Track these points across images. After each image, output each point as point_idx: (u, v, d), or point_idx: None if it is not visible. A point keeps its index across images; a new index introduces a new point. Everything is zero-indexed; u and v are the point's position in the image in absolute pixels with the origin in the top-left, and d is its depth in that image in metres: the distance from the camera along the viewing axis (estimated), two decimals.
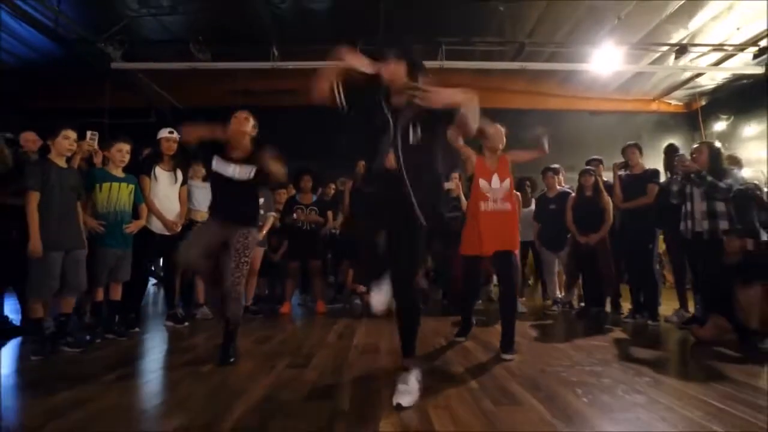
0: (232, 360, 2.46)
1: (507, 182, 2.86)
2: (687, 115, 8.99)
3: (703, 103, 8.62)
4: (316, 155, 7.06)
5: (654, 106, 9.03)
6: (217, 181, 2.60)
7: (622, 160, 4.27)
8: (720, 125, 8.30)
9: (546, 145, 2.96)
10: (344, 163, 5.78)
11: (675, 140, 8.61)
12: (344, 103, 1.91)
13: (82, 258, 2.82)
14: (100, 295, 3.10)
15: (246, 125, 2.60)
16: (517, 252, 2.87)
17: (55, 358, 2.57)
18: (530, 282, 6.83)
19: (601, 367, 2.37)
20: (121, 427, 1.62)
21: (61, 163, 2.82)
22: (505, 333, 2.73)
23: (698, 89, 8.30)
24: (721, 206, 3.43)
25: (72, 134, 2.80)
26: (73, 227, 2.78)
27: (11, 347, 2.91)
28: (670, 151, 4.19)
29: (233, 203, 2.56)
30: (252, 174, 2.60)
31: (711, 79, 7.80)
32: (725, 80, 7.75)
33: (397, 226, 1.89)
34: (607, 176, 4.57)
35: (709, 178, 3.42)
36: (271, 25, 6.33)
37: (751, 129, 7.71)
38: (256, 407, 1.78)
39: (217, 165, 2.57)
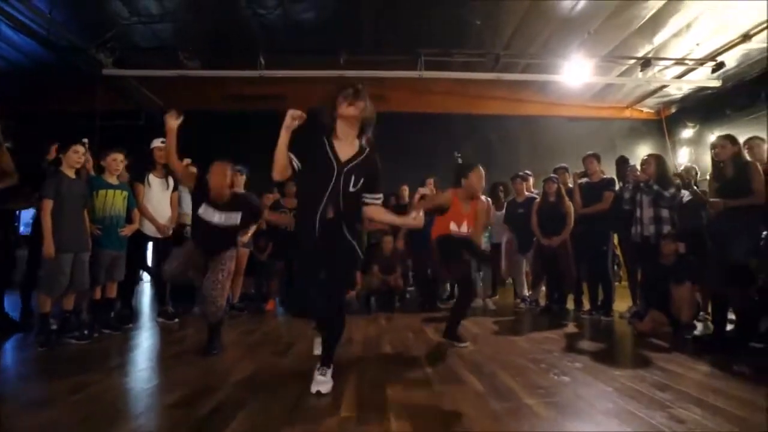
0: (215, 351, 2.75)
1: (470, 228, 3.25)
2: (658, 121, 9.40)
3: (672, 110, 9.05)
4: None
5: (627, 113, 9.42)
6: (202, 224, 2.86)
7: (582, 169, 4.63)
8: (687, 132, 8.72)
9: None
10: None
11: (647, 145, 9.16)
12: (298, 165, 2.09)
13: (87, 260, 3.11)
14: (98, 294, 3.37)
15: (224, 180, 2.84)
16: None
17: (60, 349, 2.84)
18: (509, 282, 7.18)
19: (542, 355, 2.72)
20: (123, 402, 1.91)
21: (71, 174, 3.12)
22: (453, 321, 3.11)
23: (667, 98, 8.72)
24: (665, 212, 3.82)
25: (81, 149, 3.12)
26: (80, 232, 3.08)
27: (15, 341, 3.17)
28: (622, 162, 4.57)
29: (217, 242, 2.86)
30: (238, 221, 2.93)
31: (678, 89, 8.22)
32: (691, 90, 8.17)
33: (332, 262, 2.07)
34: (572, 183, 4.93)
35: (656, 187, 3.79)
36: (259, 34, 6.58)
37: (714, 137, 8.13)
38: (240, 386, 2.08)
39: (205, 212, 2.84)
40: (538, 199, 4.89)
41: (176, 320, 3.91)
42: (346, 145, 2.12)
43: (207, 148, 5.73)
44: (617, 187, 4.44)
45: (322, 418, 1.73)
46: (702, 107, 8.29)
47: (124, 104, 7.84)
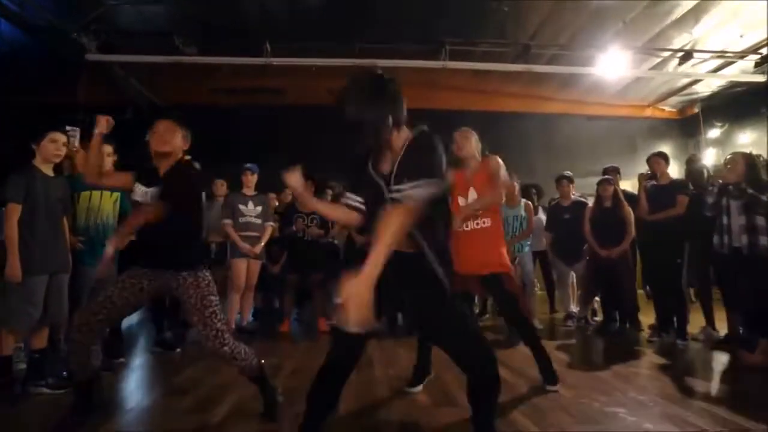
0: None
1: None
2: (679, 121, 9.02)
3: (696, 110, 8.64)
4: (307, 155, 6.72)
5: (648, 112, 9.02)
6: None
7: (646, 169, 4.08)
8: (714, 132, 8.32)
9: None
10: (335, 165, 5.47)
11: (667, 146, 8.68)
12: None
13: (65, 283, 2.40)
14: None
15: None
16: (507, 273, 2.49)
17: (25, 403, 2.14)
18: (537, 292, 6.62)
19: (659, 397, 2.11)
20: None
21: (48, 171, 2.41)
22: (540, 362, 2.45)
23: (693, 96, 8.30)
24: (761, 220, 3.24)
25: (60, 137, 2.40)
26: (58, 246, 2.37)
27: None
28: (692, 162, 4.01)
29: None
30: None
31: (707, 86, 7.79)
32: (720, 87, 7.75)
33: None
34: (624, 186, 4.37)
35: (750, 191, 3.22)
36: (263, 20, 5.94)
37: (746, 136, 7.73)
38: None
39: None
40: (590, 204, 4.31)
41: (177, 350, 3.22)
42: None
43: (207, 145, 5.06)
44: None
45: None
46: (731, 105, 7.88)
47: (110, 97, 7.11)
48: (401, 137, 1.46)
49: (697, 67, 6.96)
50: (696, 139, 8.54)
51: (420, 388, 2.43)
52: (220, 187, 4.23)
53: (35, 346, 2.33)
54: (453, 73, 6.94)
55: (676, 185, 3.86)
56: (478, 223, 2.46)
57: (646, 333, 3.88)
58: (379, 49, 6.11)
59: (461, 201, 2.51)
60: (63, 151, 2.43)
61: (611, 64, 6.45)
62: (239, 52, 6.20)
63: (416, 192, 1.27)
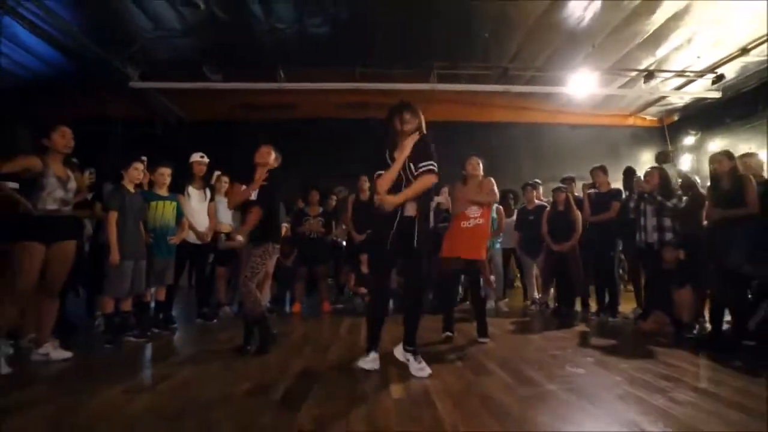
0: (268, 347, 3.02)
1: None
2: (660, 129, 9.70)
3: (676, 118, 9.35)
4: (314, 166, 7.69)
5: (630, 121, 9.72)
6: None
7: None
8: (689, 139, 9.02)
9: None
10: (343, 174, 6.41)
11: (649, 152, 9.48)
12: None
13: (144, 267, 3.44)
14: (148, 297, 3.69)
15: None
16: (481, 259, 3.64)
17: (123, 347, 3.18)
18: (516, 284, 7.50)
19: (558, 351, 3.04)
20: (200, 390, 2.23)
21: (131, 188, 3.45)
22: (479, 322, 3.47)
23: (669, 106, 9.03)
24: (667, 221, 4.12)
25: (140, 166, 3.46)
26: (139, 241, 3.40)
27: (80, 341, 3.49)
28: (628, 173, 4.89)
29: None
30: None
31: (680, 98, 8.53)
32: (693, 99, 8.48)
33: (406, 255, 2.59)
34: (579, 192, 5.25)
35: (659, 198, 4.10)
36: (276, 48, 6.89)
37: (715, 144, 8.45)
38: (296, 378, 2.41)
39: None
40: (548, 208, 5.20)
41: (215, 320, 4.23)
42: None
43: (225, 157, 6.02)
44: (623, 197, 4.75)
45: (378, 401, 2.04)
46: (703, 116, 8.60)
47: (142, 113, 8.15)
48: (412, 138, 2.61)
49: (665, 83, 7.77)
50: (675, 146, 9.26)
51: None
52: None
53: (124, 309, 3.37)
54: (444, 91, 7.77)
55: (611, 193, 4.75)
56: (475, 220, 3.55)
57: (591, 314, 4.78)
58: (376, 73, 7.09)
59: (463, 207, 3.59)
60: (142, 175, 3.47)
61: (582, 84, 7.30)
62: (256, 77, 7.21)
63: (429, 167, 2.47)
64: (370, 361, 2.58)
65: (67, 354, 2.74)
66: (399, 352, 2.72)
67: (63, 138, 2.87)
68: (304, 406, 1.98)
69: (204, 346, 3.35)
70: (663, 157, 4.36)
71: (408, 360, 2.57)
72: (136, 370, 2.58)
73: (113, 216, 3.24)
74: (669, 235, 4.07)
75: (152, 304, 3.99)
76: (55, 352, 2.69)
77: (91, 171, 3.67)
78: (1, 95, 7.34)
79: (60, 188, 2.76)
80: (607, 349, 3.16)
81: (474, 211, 3.55)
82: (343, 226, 5.75)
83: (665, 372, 2.49)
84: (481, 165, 3.71)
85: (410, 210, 2.55)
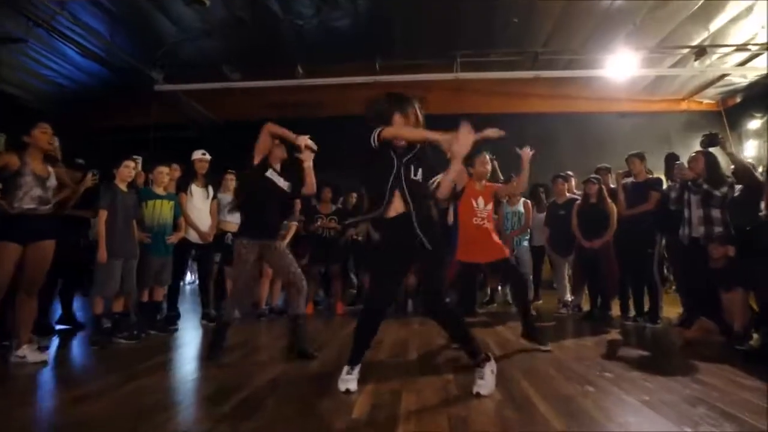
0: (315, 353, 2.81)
1: (489, 205, 3.31)
2: (719, 113, 8.74)
3: (738, 100, 8.38)
4: (338, 164, 7.52)
5: (684, 106, 8.83)
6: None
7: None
8: (754, 123, 8.05)
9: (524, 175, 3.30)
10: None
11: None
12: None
13: (134, 266, 3.38)
14: (145, 296, 3.64)
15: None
16: (507, 256, 3.29)
17: (112, 348, 3.11)
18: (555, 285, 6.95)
19: (573, 363, 2.62)
20: (167, 395, 2.07)
21: (123, 187, 3.41)
22: (526, 322, 3.12)
23: (730, 87, 8.09)
24: (716, 213, 3.55)
25: (131, 164, 3.42)
26: (130, 240, 3.35)
27: (78, 339, 3.52)
28: (671, 159, 4.30)
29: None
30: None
31: (742, 77, 7.61)
32: (758, 77, 7.53)
33: (418, 261, 2.22)
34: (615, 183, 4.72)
35: (705, 186, 3.54)
36: (297, 43, 6.80)
37: None
38: (264, 387, 2.19)
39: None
40: (579, 201, 4.71)
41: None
42: None
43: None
44: (665, 186, 4.19)
45: (333, 419, 1.78)
46: None
47: (175, 117, 8.37)
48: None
49: (723, 60, 6.93)
50: (737, 132, 8.29)
51: None
52: None
53: (115, 310, 3.32)
54: (473, 80, 7.35)
55: (649, 183, 4.19)
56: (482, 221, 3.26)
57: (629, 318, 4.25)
58: (397, 65, 6.81)
59: (473, 203, 3.30)
60: (134, 173, 3.41)
61: (624, 66, 6.64)
62: (277, 75, 7.16)
63: None
64: (352, 379, 2.16)
65: (44, 357, 2.68)
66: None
67: (44, 134, 2.81)
68: (251, 422, 1.75)
69: (191, 350, 3.24)
70: (709, 141, 3.75)
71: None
72: (100, 375, 2.46)
73: (103, 214, 3.20)
74: (718, 229, 3.50)
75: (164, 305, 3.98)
76: (32, 354, 2.64)
77: (95, 172, 3.66)
78: (47, 105, 7.83)
79: (38, 186, 2.72)
80: (636, 362, 2.69)
81: (480, 211, 3.28)
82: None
83: (697, 395, 2.03)
84: (489, 164, 3.39)
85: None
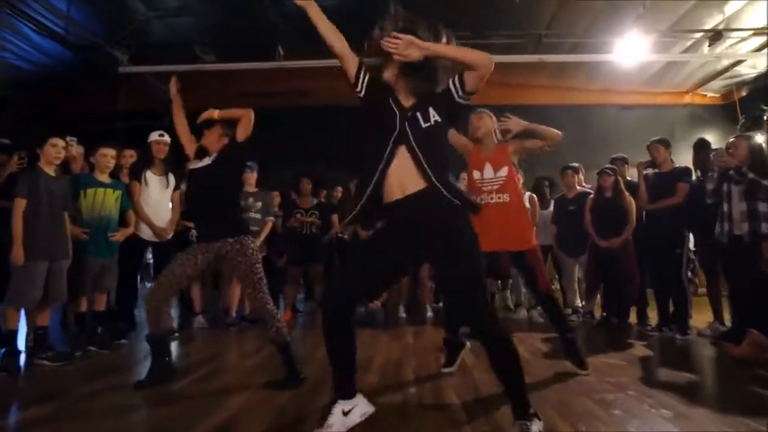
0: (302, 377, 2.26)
1: (503, 171, 2.52)
2: (723, 107, 8.38)
3: (744, 93, 7.99)
4: (324, 157, 6.96)
5: (687, 99, 8.45)
6: None
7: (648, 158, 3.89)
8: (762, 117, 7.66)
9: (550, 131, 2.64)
10: (352, 166, 5.62)
11: (711, 135, 8.09)
12: (361, 86, 1.67)
13: (65, 268, 2.73)
14: (83, 306, 3.00)
15: None
16: (531, 249, 2.53)
17: (31, 372, 2.46)
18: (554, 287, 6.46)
19: (613, 394, 2.05)
20: None
21: (50, 171, 2.74)
22: (565, 340, 2.49)
23: (736, 78, 7.70)
24: (763, 206, 3.02)
25: (59, 142, 2.74)
26: (58, 236, 2.69)
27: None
28: (701, 147, 3.79)
29: None
30: None
31: (751, 68, 7.20)
32: (765, 69, 7.13)
33: (437, 255, 1.56)
34: (632, 175, 4.21)
35: (751, 175, 3.02)
36: (277, 23, 6.20)
37: None
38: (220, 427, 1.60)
39: None
40: (592, 195, 4.19)
41: (176, 334, 3.50)
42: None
43: None
44: (693, 178, 3.68)
45: None
46: None
47: (146, 103, 7.69)
48: None
49: (736, 47, 6.50)
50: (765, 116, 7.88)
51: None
52: None
53: (38, 323, 2.67)
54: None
55: (677, 173, 3.66)
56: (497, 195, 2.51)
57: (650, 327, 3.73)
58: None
59: (476, 175, 2.59)
60: (62, 154, 2.75)
61: (632, 50, 6.16)
62: (256, 58, 6.52)
63: None
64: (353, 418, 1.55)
65: None
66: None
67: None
68: None
69: (127, 374, 2.61)
70: (752, 123, 3.23)
71: None
72: (15, 409, 1.83)
73: (20, 203, 2.53)
74: (766, 225, 2.98)
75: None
76: None
77: (21, 154, 3.02)
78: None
79: None
80: (688, 390, 2.13)
81: (489, 182, 2.54)
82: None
83: None
84: (488, 119, 2.66)
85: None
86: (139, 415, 1.85)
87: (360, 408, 1.57)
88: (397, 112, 1.58)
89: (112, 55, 6.23)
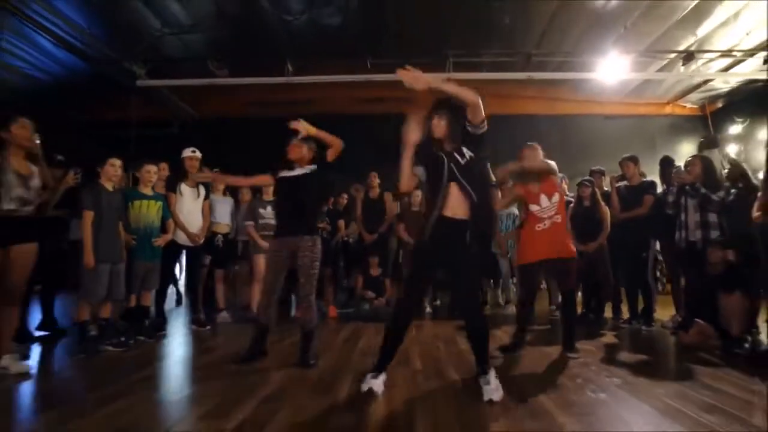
0: (312, 362, 2.71)
1: (556, 197, 3.13)
2: (702, 118, 8.90)
3: (719, 105, 8.55)
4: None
5: (668, 110, 8.97)
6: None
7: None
8: (735, 128, 8.22)
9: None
10: (356, 172, 6.10)
11: (690, 143, 8.68)
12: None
13: (122, 270, 3.21)
14: (132, 302, 3.47)
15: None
16: (574, 256, 3.13)
17: (97, 357, 2.95)
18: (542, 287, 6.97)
19: (579, 369, 2.59)
20: (152, 416, 1.94)
21: (109, 186, 3.23)
22: (566, 333, 3.06)
23: (712, 92, 8.25)
24: (713, 217, 3.57)
25: (117, 162, 3.22)
26: (116, 243, 3.18)
27: (61, 346, 3.34)
28: (666, 163, 4.33)
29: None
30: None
31: (725, 83, 7.76)
32: (739, 83, 7.70)
33: (454, 265, 2.21)
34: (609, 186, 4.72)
35: (703, 190, 3.56)
36: (285, 40, 6.64)
37: (765, 132, 7.65)
38: (267, 400, 2.08)
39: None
40: (572, 204, 4.70)
41: (208, 327, 3.99)
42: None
43: (237, 154, 5.84)
44: (659, 190, 4.21)
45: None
46: (752, 101, 7.79)
47: (158, 113, 8.11)
48: None
49: (708, 65, 7.05)
50: (720, 136, 8.44)
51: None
52: (246, 194, 4.89)
53: (102, 316, 3.15)
54: (463, 82, 7.34)
55: (644, 186, 4.21)
56: (551, 219, 3.07)
57: (622, 321, 4.26)
58: (388, 63, 6.71)
59: (534, 208, 3.13)
60: (119, 172, 3.24)
61: (614, 69, 6.70)
62: (265, 72, 6.98)
63: None
64: (377, 384, 2.18)
65: (26, 368, 2.52)
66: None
67: (23, 130, 2.64)
68: None
69: (183, 356, 3.10)
70: (708, 143, 3.79)
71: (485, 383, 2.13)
72: (89, 389, 2.31)
73: (88, 215, 3.02)
74: (715, 233, 3.53)
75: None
76: (15, 365, 2.47)
77: (77, 170, 3.48)
78: (16, 97, 7.47)
79: (19, 186, 2.55)
80: (639, 366, 2.68)
81: (547, 209, 3.11)
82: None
83: (710, 401, 2.01)
84: (540, 152, 3.21)
85: (459, 211, 2.19)
86: (204, 389, 2.33)
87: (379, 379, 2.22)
88: (445, 158, 2.21)
89: (131, 70, 6.66)
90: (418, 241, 2.35)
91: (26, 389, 2.35)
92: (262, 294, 2.85)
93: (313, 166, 2.90)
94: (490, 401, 2.01)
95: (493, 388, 2.07)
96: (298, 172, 2.90)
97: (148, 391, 2.27)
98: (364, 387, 2.15)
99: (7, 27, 5.72)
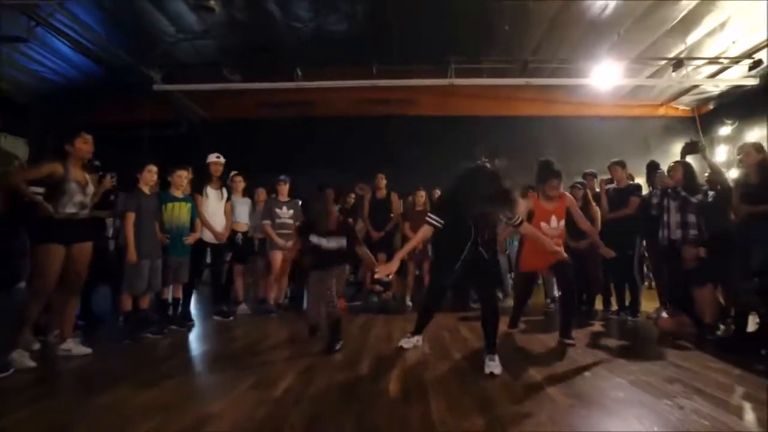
0: (337, 348, 3.04)
1: (563, 222, 3.51)
2: (694, 119, 9.24)
3: (710, 107, 8.89)
4: (333, 163, 7.78)
5: (662, 111, 9.28)
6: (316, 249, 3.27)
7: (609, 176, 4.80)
8: (724, 130, 8.55)
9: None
10: (361, 172, 6.45)
11: (681, 144, 9.00)
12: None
13: (159, 265, 3.58)
14: (165, 294, 3.84)
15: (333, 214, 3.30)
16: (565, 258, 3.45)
17: (140, 342, 3.33)
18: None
19: (568, 352, 2.97)
20: (208, 387, 2.31)
21: (146, 190, 3.60)
22: (564, 321, 3.39)
23: (704, 95, 8.58)
24: (692, 218, 3.94)
25: (154, 168, 3.61)
26: (155, 241, 3.55)
27: (104, 334, 3.70)
28: (652, 168, 4.69)
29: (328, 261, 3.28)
30: (344, 244, 3.28)
31: (715, 86, 8.09)
32: (728, 87, 8.03)
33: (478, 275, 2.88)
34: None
35: (683, 194, 3.93)
36: (294, 46, 6.96)
37: (753, 134, 7.99)
38: (302, 373, 2.45)
39: (318, 241, 3.25)
40: None
41: (231, 318, 4.35)
42: None
43: (247, 155, 6.08)
44: (645, 192, 4.57)
45: (373, 401, 2.06)
46: (740, 104, 8.14)
47: (166, 114, 8.41)
48: None
49: (697, 71, 7.39)
50: (709, 137, 8.79)
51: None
52: (261, 195, 5.23)
53: (142, 306, 3.53)
54: (466, 85, 7.65)
55: (630, 188, 4.58)
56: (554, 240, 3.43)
57: (611, 312, 4.64)
58: (393, 70, 7.06)
59: (544, 225, 3.46)
60: (156, 177, 3.61)
61: (608, 75, 7.04)
62: (274, 77, 7.31)
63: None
64: (410, 341, 3.11)
65: (88, 350, 2.89)
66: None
67: (85, 144, 3.00)
68: (302, 404, 2.02)
69: (214, 343, 3.47)
70: (690, 149, 4.15)
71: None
72: (149, 366, 2.69)
73: (130, 217, 3.39)
74: (693, 232, 3.89)
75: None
76: (77, 347, 2.84)
77: (113, 175, 3.82)
78: (37, 101, 7.80)
79: (80, 193, 2.91)
80: (620, 350, 3.07)
81: (554, 230, 3.48)
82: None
83: (674, 375, 2.40)
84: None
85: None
86: (242, 368, 2.69)
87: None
88: None
89: (147, 74, 6.99)
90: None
91: (97, 366, 2.72)
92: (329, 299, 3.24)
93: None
94: (491, 374, 2.41)
95: (495, 364, 2.50)
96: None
97: (194, 369, 2.65)
98: (405, 344, 3.07)
99: (32, 36, 6.04)
